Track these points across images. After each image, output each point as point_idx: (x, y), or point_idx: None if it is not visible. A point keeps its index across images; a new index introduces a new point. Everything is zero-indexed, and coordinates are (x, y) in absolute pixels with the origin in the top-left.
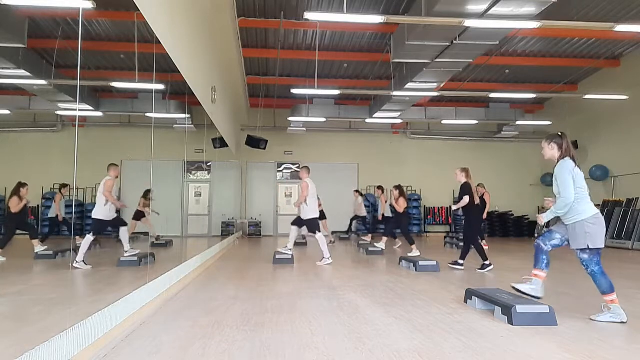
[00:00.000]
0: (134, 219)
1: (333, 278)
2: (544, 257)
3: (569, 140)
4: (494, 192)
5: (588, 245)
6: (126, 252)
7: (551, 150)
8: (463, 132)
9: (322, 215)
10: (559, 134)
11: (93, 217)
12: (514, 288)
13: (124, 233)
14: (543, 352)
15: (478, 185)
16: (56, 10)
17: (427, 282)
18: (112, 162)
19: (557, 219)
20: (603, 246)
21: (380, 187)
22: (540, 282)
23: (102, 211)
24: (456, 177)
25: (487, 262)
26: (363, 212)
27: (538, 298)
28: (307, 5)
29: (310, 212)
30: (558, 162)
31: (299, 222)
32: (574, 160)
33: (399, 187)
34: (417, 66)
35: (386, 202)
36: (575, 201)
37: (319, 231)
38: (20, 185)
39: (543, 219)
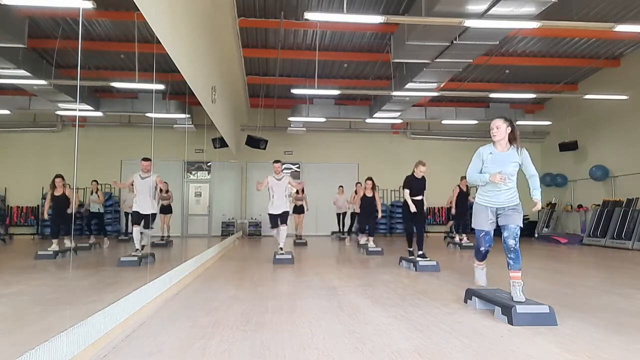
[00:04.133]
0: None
1: (333, 278)
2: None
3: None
4: None
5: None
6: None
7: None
8: (463, 132)
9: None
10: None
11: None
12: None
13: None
14: (543, 352)
15: (462, 178)
16: (56, 10)
17: (427, 282)
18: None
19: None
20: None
21: (340, 187)
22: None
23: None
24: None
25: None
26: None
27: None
28: (307, 5)
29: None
30: (521, 148)
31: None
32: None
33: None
34: (417, 66)
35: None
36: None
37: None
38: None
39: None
